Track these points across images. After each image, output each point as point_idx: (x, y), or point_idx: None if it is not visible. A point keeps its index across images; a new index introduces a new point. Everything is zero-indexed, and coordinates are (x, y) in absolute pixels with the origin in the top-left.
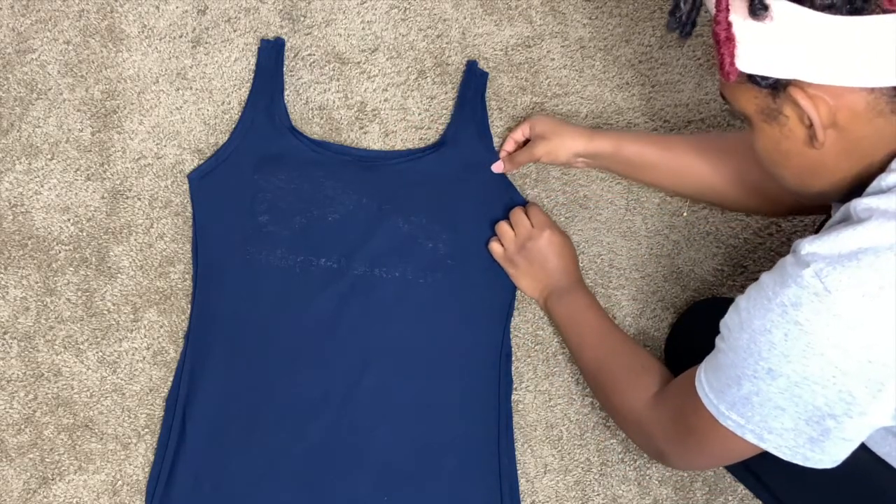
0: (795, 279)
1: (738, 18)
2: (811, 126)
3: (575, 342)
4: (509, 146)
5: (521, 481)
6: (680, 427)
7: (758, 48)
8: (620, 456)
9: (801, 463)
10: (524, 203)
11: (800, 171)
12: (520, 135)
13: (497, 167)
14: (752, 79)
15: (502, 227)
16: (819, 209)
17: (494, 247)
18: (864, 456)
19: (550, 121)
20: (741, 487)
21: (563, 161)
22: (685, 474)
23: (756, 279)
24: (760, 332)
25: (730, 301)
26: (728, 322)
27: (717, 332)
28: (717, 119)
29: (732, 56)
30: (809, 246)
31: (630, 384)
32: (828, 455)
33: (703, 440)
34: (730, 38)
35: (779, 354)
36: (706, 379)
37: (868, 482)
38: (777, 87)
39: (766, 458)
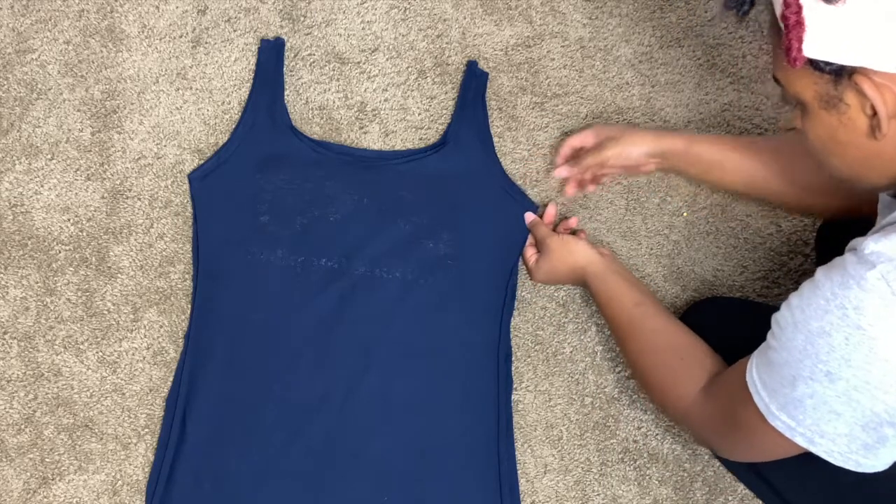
0: (858, 281)
1: (809, 2)
2: (873, 115)
3: (616, 325)
4: (567, 151)
5: (521, 481)
6: (729, 422)
7: (827, 33)
8: (620, 456)
9: (851, 468)
10: (524, 203)
11: (854, 162)
12: (578, 141)
13: (560, 172)
14: (814, 64)
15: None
16: (869, 207)
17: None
18: None
19: (616, 125)
20: (741, 487)
21: (634, 161)
22: (685, 474)
23: (756, 279)
24: (819, 334)
25: (729, 301)
26: (780, 320)
27: (717, 332)
28: (716, 119)
29: (801, 41)
30: (874, 245)
31: (678, 376)
32: (881, 461)
33: (751, 437)
34: (799, 23)
35: (839, 358)
36: (758, 376)
37: (871, 478)
38: (840, 74)
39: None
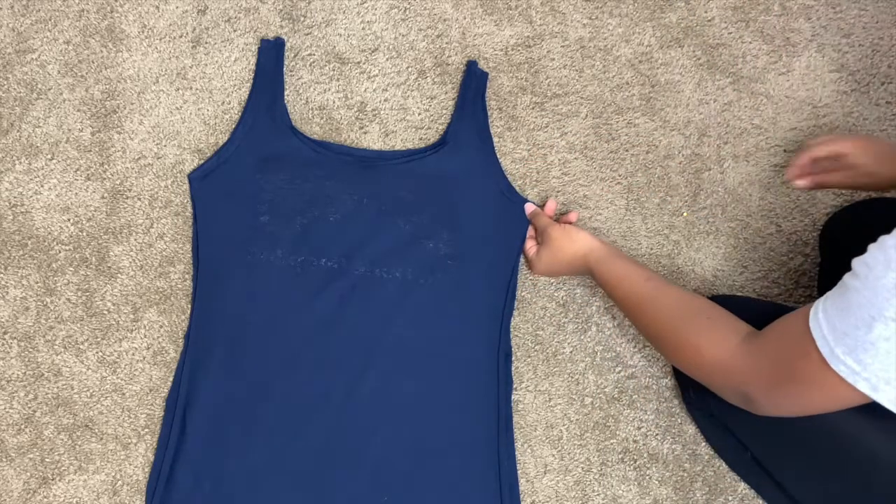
0: None
1: None
2: None
3: (632, 302)
4: (805, 160)
5: (521, 481)
6: (781, 372)
7: None
8: (620, 456)
9: None
10: (523, 202)
11: None
12: (822, 151)
13: (801, 184)
14: None
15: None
16: None
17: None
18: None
19: (871, 147)
20: (741, 487)
21: (886, 188)
22: (685, 474)
23: (756, 279)
24: None
25: (730, 301)
26: (869, 260)
27: None
28: (716, 119)
29: None
30: None
31: (712, 333)
32: None
33: (807, 386)
34: None
35: None
36: (825, 318)
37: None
38: None
39: (774, 449)
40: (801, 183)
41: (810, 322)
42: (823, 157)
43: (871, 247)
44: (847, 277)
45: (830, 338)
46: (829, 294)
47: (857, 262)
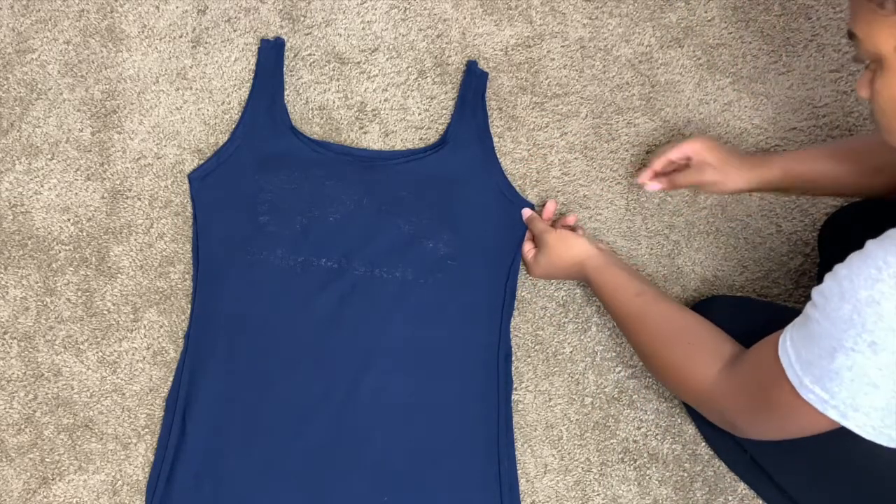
0: None
1: None
2: None
3: (621, 316)
4: (660, 165)
5: (521, 481)
6: (756, 400)
7: None
8: (620, 456)
9: (884, 443)
10: (523, 202)
11: None
12: (676, 155)
13: (652, 187)
14: None
15: (527, 212)
16: None
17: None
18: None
19: (717, 149)
20: (741, 487)
21: (729, 192)
22: (685, 474)
23: (756, 279)
24: (867, 303)
25: (730, 301)
26: (825, 290)
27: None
28: (716, 119)
29: None
30: None
31: (693, 359)
32: None
33: (780, 414)
34: None
35: (886, 328)
36: (792, 348)
37: (872, 469)
38: None
39: (772, 451)
40: (653, 186)
41: (779, 351)
42: (676, 160)
43: (827, 276)
44: (808, 307)
45: (798, 367)
46: (794, 322)
47: (814, 292)
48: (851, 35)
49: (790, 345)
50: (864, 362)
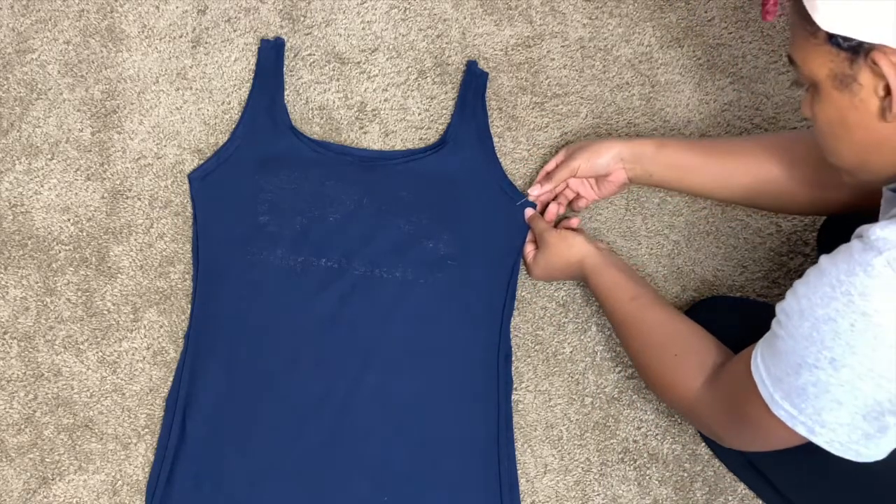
0: (865, 267)
1: None
2: (886, 96)
3: (616, 320)
4: (541, 176)
5: (521, 481)
6: (733, 414)
7: (847, 7)
8: (620, 456)
9: (851, 458)
10: (525, 202)
11: (861, 147)
12: (552, 163)
13: (532, 189)
14: (832, 40)
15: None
16: (865, 204)
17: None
18: None
19: (586, 139)
20: (741, 487)
21: (604, 168)
22: (685, 474)
23: (756, 279)
24: (824, 320)
25: (730, 301)
26: (786, 308)
27: (716, 332)
28: (716, 119)
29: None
30: (881, 231)
31: (678, 372)
32: (880, 450)
33: (756, 427)
34: None
35: (843, 345)
36: (763, 364)
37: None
38: (857, 52)
39: (768, 452)
40: (534, 191)
41: (752, 366)
42: (553, 168)
43: (788, 293)
44: (773, 323)
45: (769, 383)
46: (764, 337)
47: (778, 309)
48: (791, 60)
49: (760, 360)
50: (826, 379)
